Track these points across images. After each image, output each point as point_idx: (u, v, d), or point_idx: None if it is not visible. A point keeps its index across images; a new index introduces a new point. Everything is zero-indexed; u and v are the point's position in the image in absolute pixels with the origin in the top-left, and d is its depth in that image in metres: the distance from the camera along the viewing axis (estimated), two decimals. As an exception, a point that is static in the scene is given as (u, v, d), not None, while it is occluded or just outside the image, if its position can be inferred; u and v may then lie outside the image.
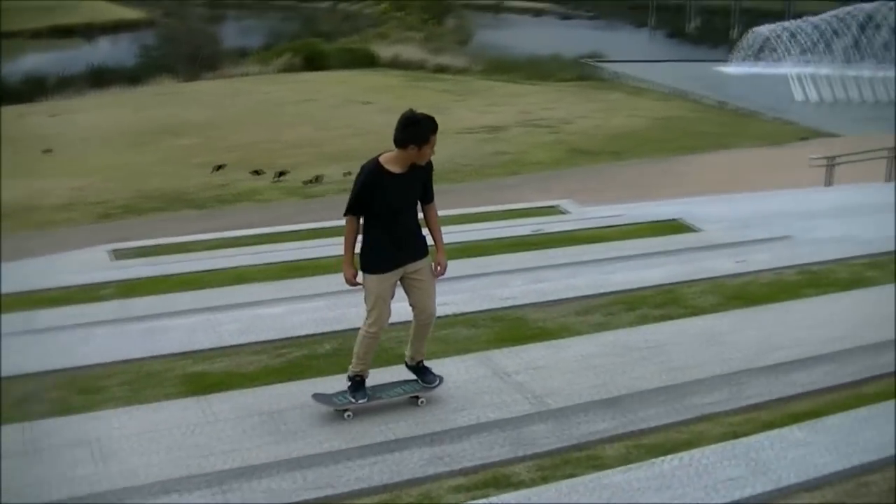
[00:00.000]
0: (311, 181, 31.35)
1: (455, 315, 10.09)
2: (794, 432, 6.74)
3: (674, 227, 16.33)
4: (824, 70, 56.21)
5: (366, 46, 73.67)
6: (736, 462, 6.41)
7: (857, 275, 11.22)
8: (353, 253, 7.55)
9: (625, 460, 6.76)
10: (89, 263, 15.54)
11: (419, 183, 7.39)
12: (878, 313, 9.53)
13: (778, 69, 58.01)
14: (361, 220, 7.44)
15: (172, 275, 14.07)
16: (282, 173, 32.16)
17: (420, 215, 7.65)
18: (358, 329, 7.72)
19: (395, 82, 60.20)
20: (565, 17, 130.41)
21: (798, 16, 66.26)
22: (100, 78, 60.62)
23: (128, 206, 28.09)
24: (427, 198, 7.55)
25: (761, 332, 9.10)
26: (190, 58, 64.74)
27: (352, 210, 7.39)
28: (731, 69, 65.15)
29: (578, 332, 9.38)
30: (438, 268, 7.59)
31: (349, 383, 7.72)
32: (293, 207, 27.95)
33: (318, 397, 7.77)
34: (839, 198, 22.87)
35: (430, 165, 7.45)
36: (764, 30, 62.71)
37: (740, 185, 27.29)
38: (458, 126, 43.48)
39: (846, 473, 6.31)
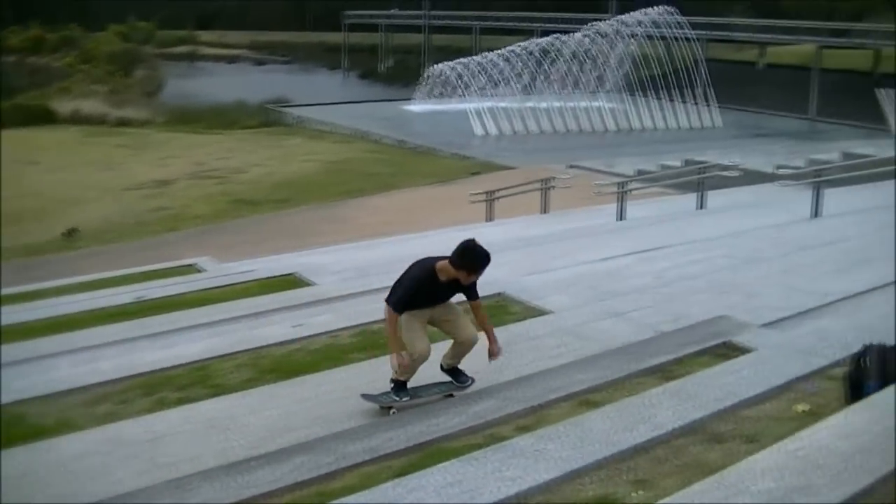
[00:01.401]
0: (-57, 254, 28.65)
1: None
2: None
3: (288, 282, 15.13)
4: (502, 103, 56.99)
5: (44, 102, 70.24)
6: None
7: (418, 331, 10.21)
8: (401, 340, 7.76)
9: None
10: None
11: (457, 288, 7.79)
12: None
13: (458, 105, 58.48)
14: None
15: None
16: None
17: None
18: None
19: (69, 139, 57.45)
20: (260, 63, 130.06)
21: (486, 51, 67.16)
22: None
23: None
24: (471, 297, 7.96)
25: (280, 412, 7.85)
26: None
27: (397, 307, 7.72)
28: (414, 107, 65.47)
29: (78, 428, 7.95)
30: (491, 357, 8.00)
31: (392, 384, 7.90)
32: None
33: (366, 396, 7.94)
34: (484, 235, 22.41)
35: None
36: (443, 67, 63.21)
37: (402, 227, 26.80)
38: (126, 182, 41.55)
39: None
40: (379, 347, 9.57)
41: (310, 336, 10.23)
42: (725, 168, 23.24)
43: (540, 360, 8.75)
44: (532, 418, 7.09)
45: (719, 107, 61.90)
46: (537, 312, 10.58)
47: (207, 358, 9.59)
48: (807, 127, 63.28)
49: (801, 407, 6.67)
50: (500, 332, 9.67)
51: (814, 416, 6.51)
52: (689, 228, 18.52)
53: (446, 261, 7.64)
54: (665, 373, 7.92)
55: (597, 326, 9.77)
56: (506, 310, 10.85)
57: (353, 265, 16.98)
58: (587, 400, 7.37)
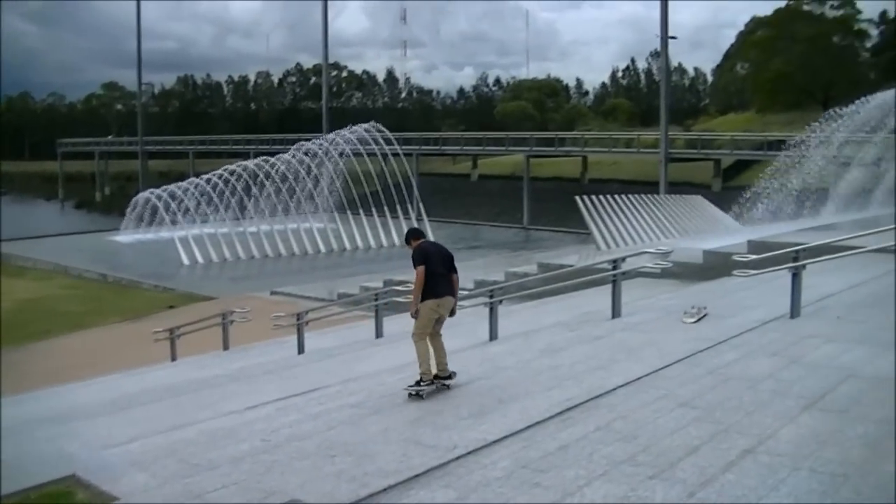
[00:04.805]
0: None
1: None
2: None
3: None
4: (211, 230, 55.42)
5: None
6: None
7: None
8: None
9: None
10: None
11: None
12: None
13: (167, 233, 56.67)
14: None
15: None
16: None
17: None
18: None
19: None
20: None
21: (196, 175, 65.66)
22: None
23: None
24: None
25: None
26: None
27: None
28: (122, 238, 63.12)
29: None
30: None
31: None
32: None
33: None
34: (148, 380, 21.06)
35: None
36: (149, 194, 61.45)
37: (79, 372, 25.17)
38: None
39: None
40: None
41: None
42: (401, 293, 22.31)
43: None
44: None
45: (436, 220, 62.23)
46: (104, 499, 9.01)
47: None
48: (521, 236, 64.25)
49: None
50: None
51: None
52: (352, 365, 17.43)
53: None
54: None
55: (165, 516, 8.30)
56: (69, 498, 9.23)
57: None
58: None
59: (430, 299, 12.17)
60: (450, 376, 12.43)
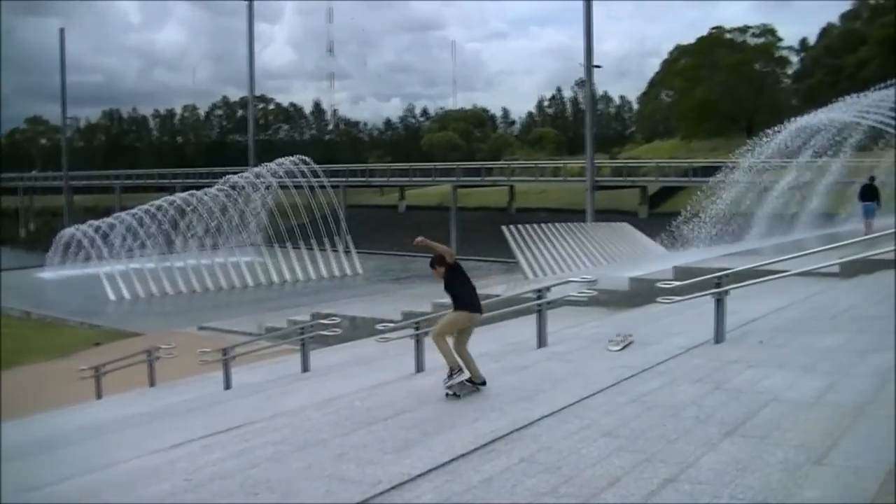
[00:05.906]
0: None
1: None
2: None
3: None
4: (137, 265, 54.93)
5: None
6: None
7: None
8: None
9: None
10: None
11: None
12: None
13: (93, 269, 56.05)
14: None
15: None
16: None
17: None
18: None
19: None
20: None
21: (123, 210, 65.22)
22: None
23: None
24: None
25: None
26: None
27: None
28: (46, 274, 62.37)
29: None
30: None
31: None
32: None
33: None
34: (71, 420, 20.76)
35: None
36: (73, 230, 60.79)
37: (8, 412, 24.52)
38: None
39: None
40: None
41: None
42: (327, 326, 22.25)
43: None
44: None
45: (365, 252, 62.16)
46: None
47: None
48: (450, 266, 64.10)
49: None
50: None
51: None
52: (278, 400, 17.31)
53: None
54: None
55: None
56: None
57: None
58: None
59: (465, 311, 12.66)
60: (483, 382, 13.01)
